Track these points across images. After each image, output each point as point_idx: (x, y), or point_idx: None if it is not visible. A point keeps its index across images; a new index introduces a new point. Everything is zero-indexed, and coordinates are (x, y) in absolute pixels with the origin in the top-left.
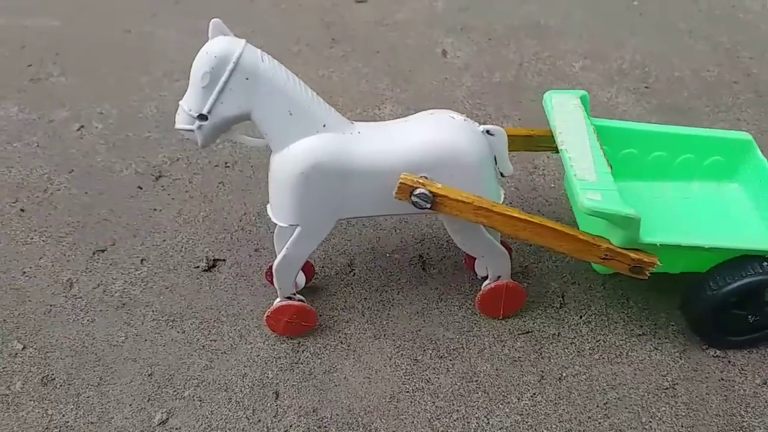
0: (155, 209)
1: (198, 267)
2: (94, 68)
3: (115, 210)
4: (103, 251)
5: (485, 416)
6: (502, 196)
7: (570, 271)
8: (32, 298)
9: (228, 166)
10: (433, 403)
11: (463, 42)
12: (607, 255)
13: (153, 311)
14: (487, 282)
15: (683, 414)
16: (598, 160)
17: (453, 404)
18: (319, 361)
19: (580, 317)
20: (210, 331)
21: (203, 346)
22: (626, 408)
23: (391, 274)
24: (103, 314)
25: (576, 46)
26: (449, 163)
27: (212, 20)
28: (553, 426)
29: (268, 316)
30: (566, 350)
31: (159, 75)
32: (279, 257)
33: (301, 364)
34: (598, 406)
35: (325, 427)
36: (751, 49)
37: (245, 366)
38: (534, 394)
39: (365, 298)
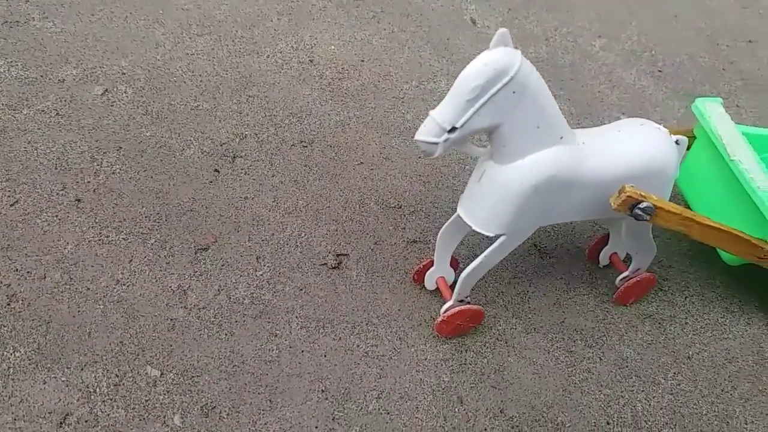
0: (246, 198)
1: (325, 264)
2: (83, 10)
3: (198, 198)
4: (205, 249)
5: (646, 398)
6: None
7: (665, 255)
8: (144, 312)
9: (305, 145)
10: (600, 391)
11: (486, 10)
12: (764, 255)
13: (297, 317)
14: (625, 275)
15: None
16: (765, 168)
17: (616, 391)
18: (486, 360)
19: (685, 298)
20: (366, 336)
21: (366, 353)
22: (745, 378)
23: (515, 266)
24: (242, 325)
25: (589, 23)
26: (657, 173)
27: (500, 30)
28: (699, 401)
29: (442, 321)
30: (684, 330)
31: (174, 27)
32: (474, 264)
33: (470, 364)
34: (725, 380)
35: (518, 426)
36: (726, 37)
37: (417, 371)
38: (674, 373)
39: (502, 292)
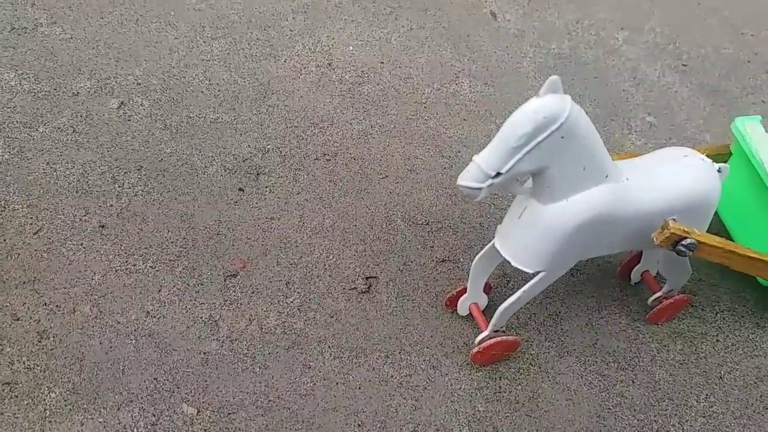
0: (272, 218)
1: (355, 288)
2: (92, 13)
3: (223, 220)
4: (234, 276)
5: (678, 423)
6: None
7: (695, 268)
8: (176, 346)
9: (329, 159)
10: (633, 416)
11: (506, 3)
12: None
13: (330, 347)
14: (658, 295)
15: None
16: None
17: (649, 415)
18: (520, 387)
19: (716, 314)
20: (400, 365)
21: (400, 384)
22: None
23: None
24: (275, 357)
25: (611, 14)
26: (700, 206)
27: (551, 77)
28: (732, 423)
29: (478, 352)
30: (716, 347)
31: (187, 29)
32: (512, 299)
33: (504, 392)
34: (756, 400)
35: None
36: (750, 26)
37: (452, 401)
38: (707, 395)
39: (534, 313)
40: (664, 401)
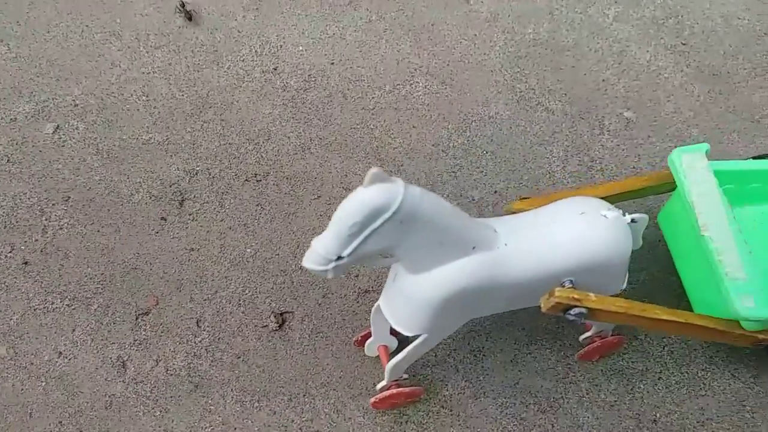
0: (192, 249)
1: (266, 326)
2: (39, 27)
3: (142, 253)
4: (146, 314)
5: None
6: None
7: (647, 294)
8: (83, 388)
9: (259, 180)
10: None
11: None
12: (736, 338)
13: (232, 390)
14: (588, 335)
15: None
16: (741, 246)
17: None
18: None
19: (663, 347)
20: (303, 409)
21: (300, 429)
22: None
23: (475, 318)
24: (177, 401)
25: None
26: (598, 267)
27: (371, 171)
28: None
29: (376, 401)
30: (656, 387)
31: (130, 39)
32: (398, 358)
33: None
34: None
35: None
36: None
37: None
38: None
39: (455, 350)
40: None
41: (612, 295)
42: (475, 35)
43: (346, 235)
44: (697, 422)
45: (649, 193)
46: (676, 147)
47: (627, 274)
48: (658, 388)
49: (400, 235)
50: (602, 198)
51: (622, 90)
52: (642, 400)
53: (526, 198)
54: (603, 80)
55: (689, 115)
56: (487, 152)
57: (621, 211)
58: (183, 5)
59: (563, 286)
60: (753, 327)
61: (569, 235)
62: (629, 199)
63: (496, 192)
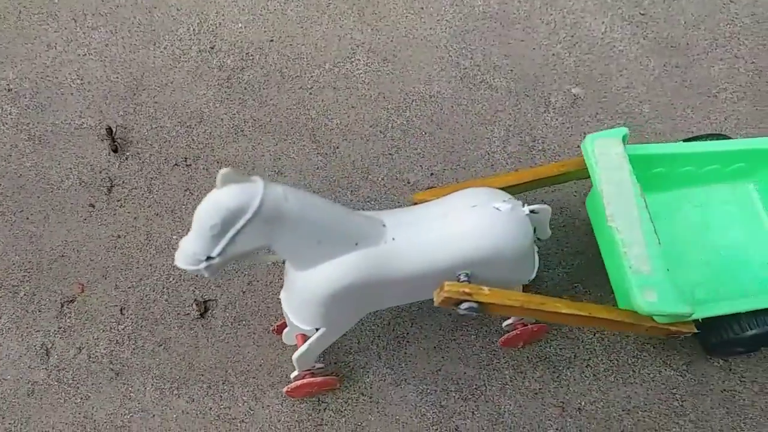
0: (119, 236)
1: (188, 314)
2: None
3: (70, 240)
4: (72, 302)
5: None
6: (537, 261)
7: (581, 279)
8: (7, 375)
9: (189, 164)
10: None
11: None
12: (648, 330)
13: (153, 378)
14: (509, 321)
15: None
16: (650, 239)
17: None
18: (344, 419)
19: (593, 334)
20: (221, 396)
21: (218, 416)
22: None
23: (398, 306)
24: (97, 388)
25: None
26: (493, 259)
27: (221, 171)
28: None
29: (290, 390)
30: (583, 374)
31: (67, 19)
32: (300, 350)
33: (326, 425)
34: None
35: None
36: None
37: None
38: (557, 429)
39: (378, 336)
40: None
41: (524, 285)
42: (422, 8)
43: (209, 236)
44: (623, 410)
45: (568, 179)
46: (625, 124)
47: (536, 265)
48: (585, 376)
49: (269, 234)
50: (516, 186)
51: (572, 64)
52: (568, 388)
53: (431, 188)
54: (553, 54)
55: (642, 90)
56: (426, 133)
57: (520, 203)
58: (111, 132)
59: (458, 279)
60: (665, 319)
61: (459, 228)
62: (549, 185)
63: (432, 174)
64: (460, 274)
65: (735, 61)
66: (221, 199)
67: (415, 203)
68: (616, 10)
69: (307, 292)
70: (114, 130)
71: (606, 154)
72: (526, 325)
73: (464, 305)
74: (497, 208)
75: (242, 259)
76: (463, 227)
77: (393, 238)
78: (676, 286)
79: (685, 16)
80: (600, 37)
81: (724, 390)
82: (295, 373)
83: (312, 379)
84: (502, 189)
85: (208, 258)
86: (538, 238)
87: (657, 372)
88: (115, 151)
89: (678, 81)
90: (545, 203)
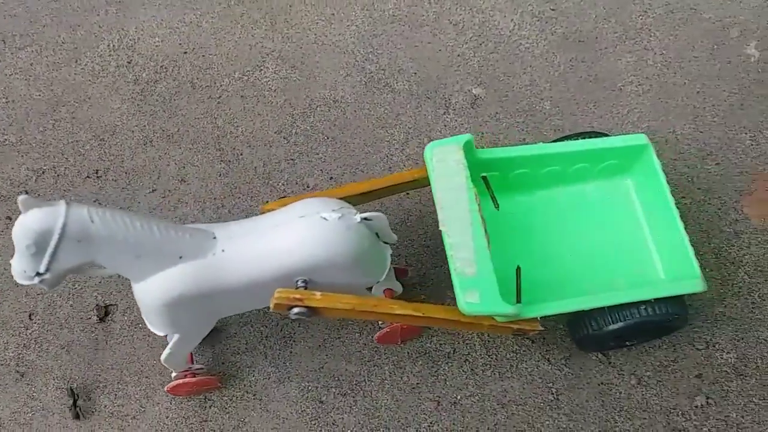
0: None
1: (90, 318)
2: None
3: None
4: None
5: None
6: (389, 259)
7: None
8: None
9: (99, 176)
10: None
11: None
12: (490, 328)
13: (54, 378)
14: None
15: (564, 426)
16: (479, 245)
17: None
18: (228, 416)
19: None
20: (116, 395)
21: (112, 413)
22: (514, 427)
23: None
24: (4, 389)
25: None
26: (325, 266)
27: (19, 198)
28: None
29: (169, 390)
30: (461, 369)
31: None
32: (165, 353)
33: (211, 421)
34: (488, 429)
35: None
36: None
37: (157, 431)
38: (431, 422)
39: (267, 337)
40: (380, 430)
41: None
42: (333, 14)
43: (29, 255)
44: (498, 404)
45: (422, 185)
46: (524, 121)
47: (387, 266)
48: (463, 371)
49: (86, 252)
50: (370, 193)
51: (477, 64)
52: (445, 382)
53: (283, 198)
54: (458, 55)
55: (545, 87)
56: (328, 137)
57: (353, 211)
58: (74, 402)
59: (296, 286)
60: (504, 318)
61: (287, 239)
62: (406, 191)
63: (331, 179)
64: (297, 281)
65: (644, 53)
66: (27, 222)
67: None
68: (526, 7)
69: (144, 302)
70: (77, 396)
71: (444, 161)
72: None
73: (294, 310)
74: (324, 218)
75: (77, 273)
76: (291, 238)
77: (222, 250)
78: (497, 288)
79: (597, 10)
80: (507, 35)
81: (602, 383)
82: (174, 374)
83: (190, 379)
84: (353, 197)
85: (39, 274)
86: (385, 242)
87: (535, 366)
88: (77, 417)
89: (583, 76)
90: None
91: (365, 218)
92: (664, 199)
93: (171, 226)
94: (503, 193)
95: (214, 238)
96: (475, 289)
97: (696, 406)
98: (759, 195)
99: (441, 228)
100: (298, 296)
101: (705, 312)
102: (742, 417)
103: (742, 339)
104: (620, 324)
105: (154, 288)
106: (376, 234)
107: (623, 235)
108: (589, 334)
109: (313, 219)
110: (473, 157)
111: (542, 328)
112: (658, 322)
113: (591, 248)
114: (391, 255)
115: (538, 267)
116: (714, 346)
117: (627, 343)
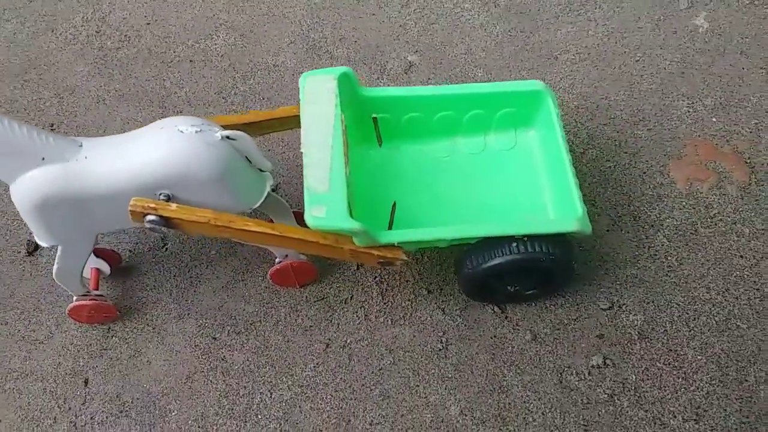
0: None
1: (20, 252)
2: None
3: None
4: None
5: (269, 390)
6: (268, 188)
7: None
8: None
9: (54, 129)
10: (224, 381)
11: None
12: (352, 255)
13: None
14: (277, 259)
15: (449, 376)
16: (337, 165)
17: (242, 381)
18: (126, 345)
19: (374, 278)
20: (30, 321)
21: (23, 337)
22: (399, 373)
23: (202, 247)
24: None
25: None
26: (185, 180)
27: None
28: (329, 396)
29: (68, 312)
30: (355, 315)
31: None
32: (54, 268)
33: (110, 350)
34: (372, 372)
35: (127, 411)
36: None
37: (60, 355)
38: (317, 363)
39: (175, 276)
40: (266, 368)
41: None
42: None
43: None
44: (386, 349)
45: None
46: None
47: (263, 193)
48: (357, 316)
49: None
50: (247, 126)
51: (416, 34)
52: (338, 327)
53: None
54: (400, 26)
55: (480, 56)
56: (263, 98)
57: (217, 128)
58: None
59: (158, 198)
60: (363, 242)
61: (148, 147)
62: (293, 127)
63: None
64: (160, 194)
65: (586, 24)
66: None
67: None
68: None
69: (19, 206)
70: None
71: (316, 90)
72: (287, 261)
73: (149, 218)
74: (180, 131)
75: None
76: (147, 148)
77: (86, 157)
78: (345, 204)
79: None
80: (451, 8)
81: (494, 336)
82: (74, 298)
83: (86, 302)
84: (237, 126)
85: None
86: (261, 170)
87: (429, 315)
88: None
89: (520, 45)
90: None
91: (227, 136)
92: (558, 146)
93: (35, 129)
94: (399, 140)
95: (81, 146)
96: (323, 204)
97: (592, 366)
98: (689, 159)
99: (302, 149)
100: (153, 205)
101: (615, 273)
102: (642, 381)
103: (652, 302)
104: (493, 261)
105: (23, 189)
106: (247, 159)
107: (521, 186)
108: (466, 272)
109: (170, 131)
110: (359, 95)
111: (405, 258)
112: (532, 260)
113: (485, 197)
114: (286, 198)
115: (426, 210)
116: (621, 308)
117: (509, 288)
